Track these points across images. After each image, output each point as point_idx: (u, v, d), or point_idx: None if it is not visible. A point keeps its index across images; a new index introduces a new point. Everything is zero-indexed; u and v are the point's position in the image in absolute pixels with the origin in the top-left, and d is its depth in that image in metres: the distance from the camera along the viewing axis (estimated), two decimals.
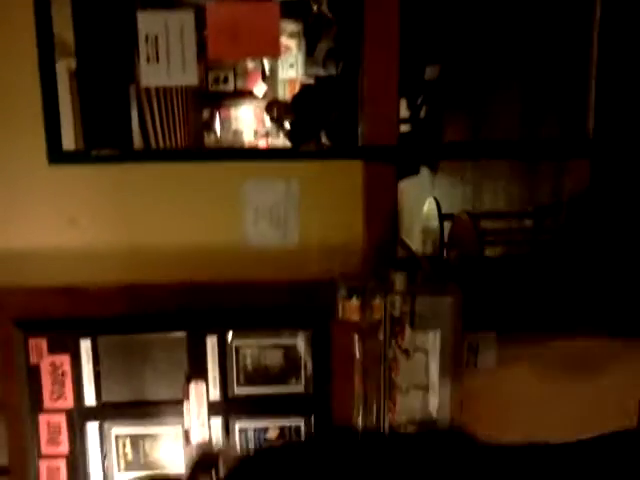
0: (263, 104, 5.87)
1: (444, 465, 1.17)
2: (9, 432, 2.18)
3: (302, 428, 2.17)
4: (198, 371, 2.11)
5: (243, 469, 1.23)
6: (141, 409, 2.13)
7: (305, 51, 5.24)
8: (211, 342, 2.11)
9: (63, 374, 2.09)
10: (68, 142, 2.11)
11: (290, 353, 2.15)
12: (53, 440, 2.12)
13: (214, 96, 5.98)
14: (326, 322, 2.13)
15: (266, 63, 5.97)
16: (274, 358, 2.15)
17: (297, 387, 2.16)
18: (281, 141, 5.50)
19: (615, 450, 1.28)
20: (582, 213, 3.14)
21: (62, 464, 2.13)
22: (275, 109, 5.47)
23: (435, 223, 3.75)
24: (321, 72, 4.75)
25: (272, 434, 2.17)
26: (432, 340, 1.79)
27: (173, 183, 2.14)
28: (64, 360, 2.09)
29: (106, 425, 2.13)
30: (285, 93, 5.77)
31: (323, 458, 1.21)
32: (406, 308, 1.77)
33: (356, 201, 2.16)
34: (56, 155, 2.08)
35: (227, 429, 2.14)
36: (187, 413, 2.08)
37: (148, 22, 2.03)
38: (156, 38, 2.03)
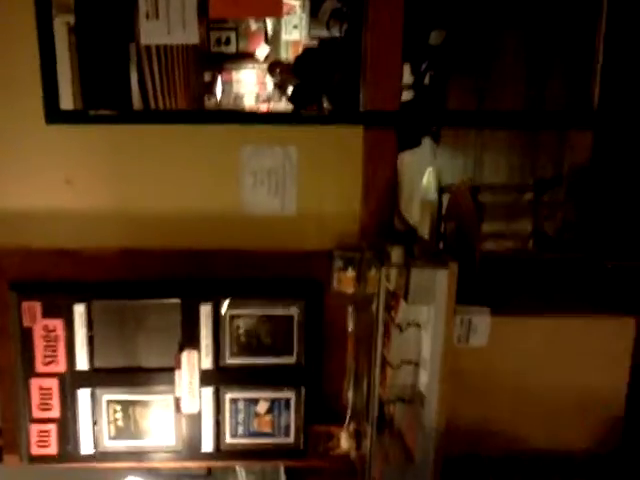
0: (265, 67, 5.79)
1: None
2: (1, 395, 2.19)
3: (292, 401, 2.17)
4: (191, 339, 2.10)
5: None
6: (133, 376, 2.13)
7: (309, 12, 5.17)
8: (205, 311, 2.10)
9: (56, 338, 2.09)
10: (66, 102, 2.09)
11: (283, 324, 2.14)
12: (44, 404, 2.13)
13: (216, 58, 5.89)
14: (320, 293, 2.12)
15: (269, 24, 5.87)
16: (267, 328, 2.14)
17: (289, 358, 2.15)
18: (283, 106, 5.43)
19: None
20: (583, 187, 3.12)
21: (53, 428, 2.14)
22: (278, 70, 5.40)
23: (434, 195, 3.71)
24: (325, 34, 4.68)
25: (261, 408, 2.18)
26: (426, 314, 1.78)
27: (172, 146, 2.12)
28: (57, 324, 2.08)
29: (97, 391, 2.14)
30: (288, 55, 5.69)
31: None
32: (401, 281, 1.75)
33: (356, 170, 2.14)
34: (54, 115, 2.05)
35: (218, 398, 2.15)
36: (179, 381, 2.09)
37: None
38: None
